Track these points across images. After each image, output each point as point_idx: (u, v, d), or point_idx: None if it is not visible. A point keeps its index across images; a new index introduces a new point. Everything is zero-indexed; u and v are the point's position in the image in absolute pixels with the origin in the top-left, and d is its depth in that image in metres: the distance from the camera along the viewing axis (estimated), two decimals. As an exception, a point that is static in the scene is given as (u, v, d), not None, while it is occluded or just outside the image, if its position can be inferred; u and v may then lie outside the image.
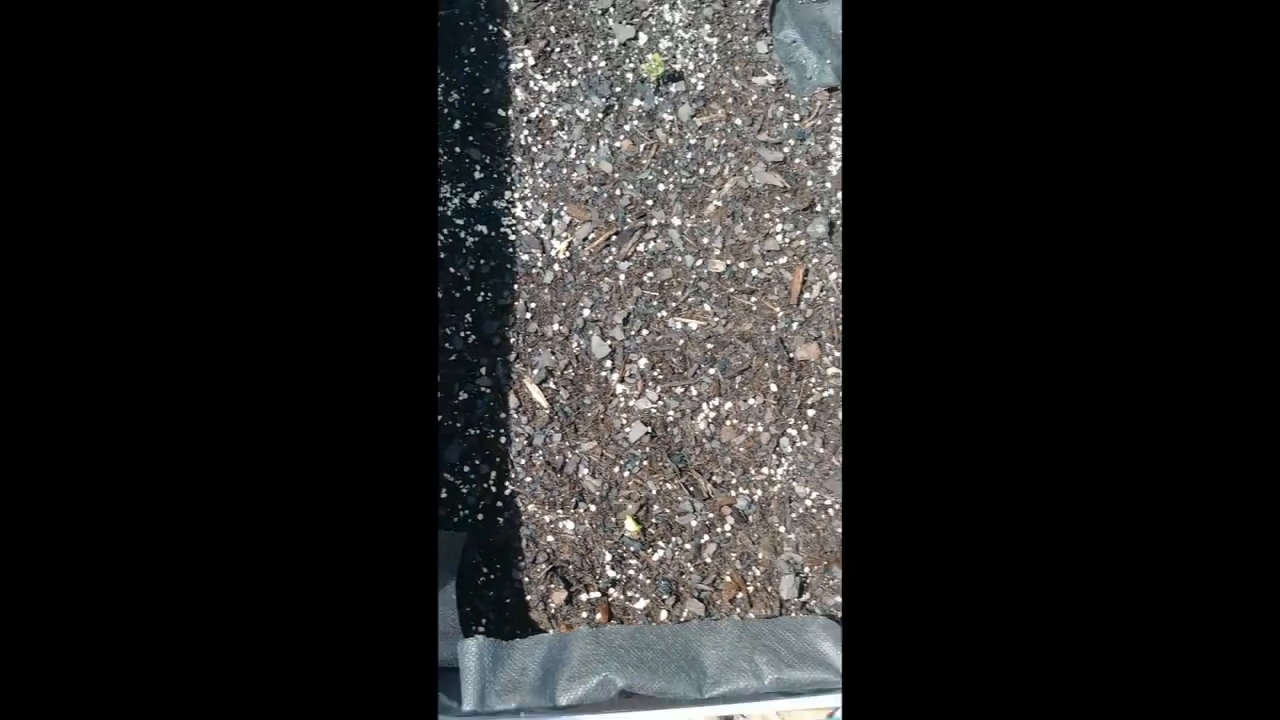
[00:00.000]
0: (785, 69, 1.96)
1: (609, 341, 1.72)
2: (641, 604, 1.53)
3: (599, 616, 1.51)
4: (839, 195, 1.86)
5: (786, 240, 1.82)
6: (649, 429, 1.66)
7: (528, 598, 1.53)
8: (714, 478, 1.63)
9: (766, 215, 1.84)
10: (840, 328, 1.74)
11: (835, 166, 1.89)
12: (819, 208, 1.85)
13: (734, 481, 1.63)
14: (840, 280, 1.79)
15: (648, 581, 1.55)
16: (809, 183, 1.87)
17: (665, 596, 1.54)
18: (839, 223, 1.84)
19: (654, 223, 1.83)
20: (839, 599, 1.54)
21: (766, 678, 1.27)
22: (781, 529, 1.60)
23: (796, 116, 1.93)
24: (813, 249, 1.81)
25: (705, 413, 1.68)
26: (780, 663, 1.30)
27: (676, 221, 1.83)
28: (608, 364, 1.71)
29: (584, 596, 1.53)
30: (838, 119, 1.92)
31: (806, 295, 1.78)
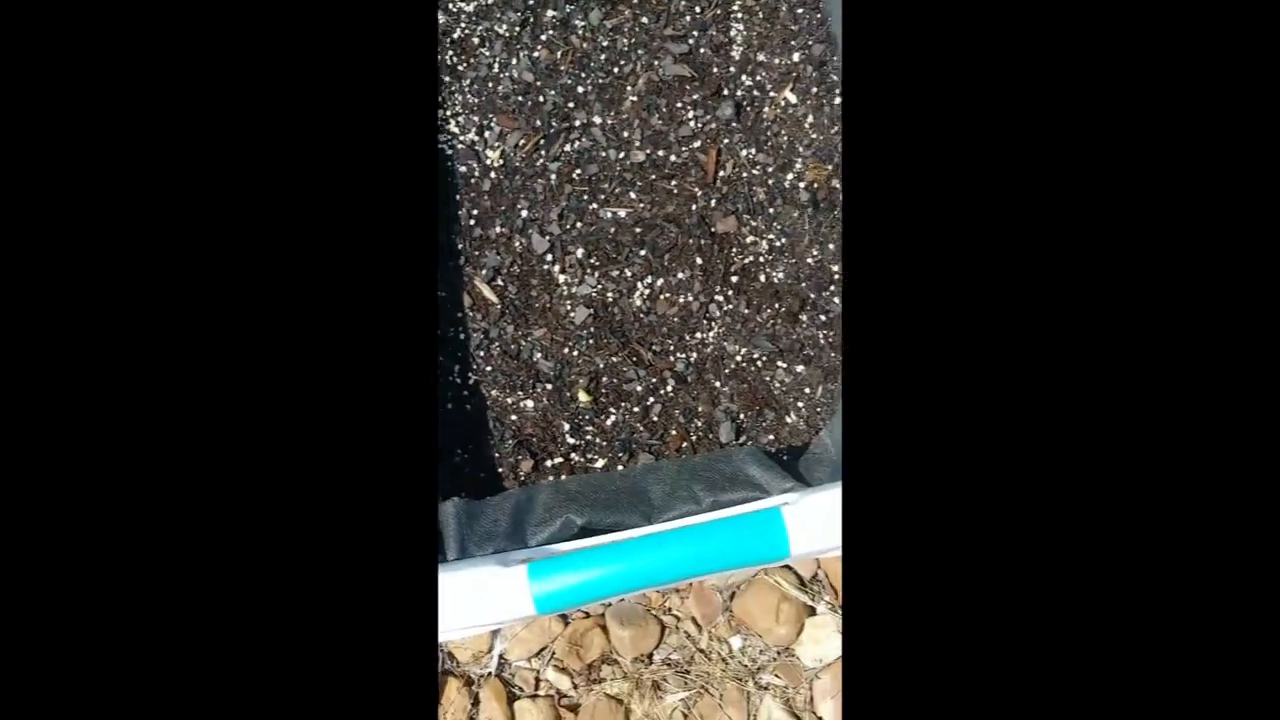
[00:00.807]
0: (683, -35, 2.09)
1: (548, 237, 1.90)
2: (600, 463, 1.75)
3: (563, 478, 1.73)
4: (743, 77, 2.02)
5: (699, 125, 1.98)
6: (592, 311, 1.85)
7: (499, 470, 1.74)
8: (654, 347, 1.83)
9: (679, 104, 2.00)
10: (753, 200, 1.92)
11: (737, 51, 2.04)
12: (725, 91, 2.01)
13: (671, 348, 1.83)
14: (750, 156, 1.96)
15: (603, 444, 1.76)
16: (714, 69, 2.03)
17: (620, 454, 1.75)
18: (745, 104, 2.00)
19: (577, 123, 1.99)
20: (771, 436, 1.76)
21: (705, 501, 1.49)
22: (717, 384, 1.80)
23: (698, 9, 2.07)
24: (723, 130, 1.98)
25: (640, 291, 1.86)
26: (715, 488, 1.51)
27: (598, 120, 1.99)
28: (549, 257, 1.89)
29: (549, 463, 1.74)
30: (735, 7, 2.07)
31: (721, 174, 1.95)
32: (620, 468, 1.73)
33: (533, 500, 1.52)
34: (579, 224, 1.91)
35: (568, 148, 1.97)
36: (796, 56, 2.03)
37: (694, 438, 1.76)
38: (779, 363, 1.81)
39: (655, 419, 1.78)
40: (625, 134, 1.97)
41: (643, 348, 1.82)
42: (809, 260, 1.87)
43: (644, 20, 2.06)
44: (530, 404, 1.79)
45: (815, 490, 1.36)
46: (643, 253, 1.88)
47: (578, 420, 1.78)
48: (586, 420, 1.78)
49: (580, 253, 1.89)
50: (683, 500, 1.49)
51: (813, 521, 1.30)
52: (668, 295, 1.85)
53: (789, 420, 1.77)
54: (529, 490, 1.53)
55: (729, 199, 1.92)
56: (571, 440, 1.76)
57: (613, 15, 2.07)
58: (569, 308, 1.85)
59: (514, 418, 1.77)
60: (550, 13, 2.07)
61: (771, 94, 2.01)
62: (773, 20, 2.06)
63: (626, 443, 1.75)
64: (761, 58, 2.04)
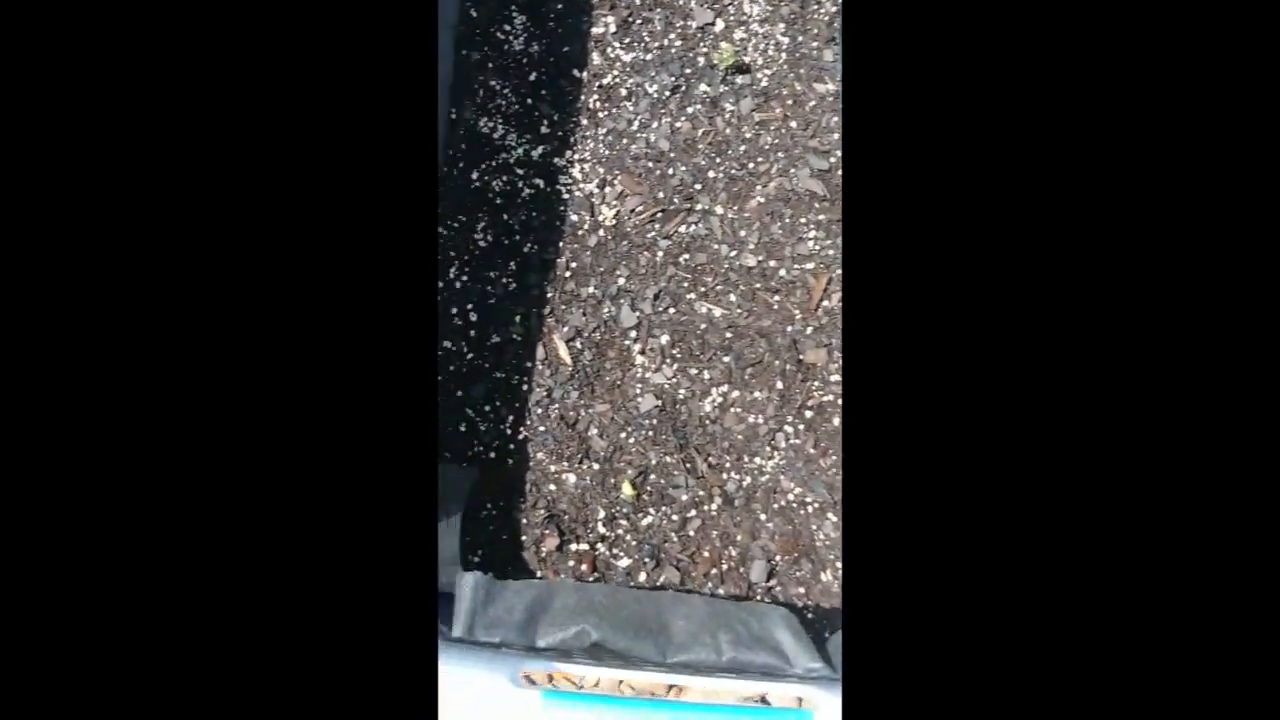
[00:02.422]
0: (849, 80, 2.04)
1: (637, 313, 1.84)
2: (624, 563, 1.68)
3: (584, 567, 1.66)
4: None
5: (817, 247, 1.92)
6: (660, 402, 1.78)
7: (522, 538, 1.67)
8: (710, 459, 1.77)
9: (803, 220, 1.94)
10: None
11: (877, 185, 1.98)
12: (854, 222, 1.95)
13: (727, 465, 1.77)
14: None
15: (633, 543, 1.70)
16: (850, 196, 1.97)
17: (647, 560, 1.68)
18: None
19: (698, 207, 1.93)
20: (801, 589, 1.70)
21: (725, 655, 1.43)
22: (762, 517, 1.74)
23: (850, 129, 2.02)
24: (838, 260, 1.92)
25: (713, 397, 1.80)
26: (739, 644, 1.45)
27: (719, 210, 1.93)
28: (633, 334, 1.83)
29: (574, 546, 1.68)
30: (889, 139, 2.01)
31: (825, 303, 1.89)
32: (643, 575, 1.67)
33: (553, 598, 1.45)
34: (672, 310, 1.85)
35: (683, 229, 1.91)
36: (934, 208, 1.97)
37: (724, 566, 1.70)
38: (830, 515, 1.75)
39: (691, 534, 1.71)
40: (743, 233, 1.92)
41: (700, 456, 1.76)
42: (888, 419, 1.81)
43: (792, 124, 2.01)
44: (573, 479, 1.72)
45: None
46: (726, 359, 1.82)
47: (615, 511, 1.71)
48: (623, 514, 1.71)
49: (665, 339, 1.83)
50: (704, 646, 1.43)
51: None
52: (739, 410, 1.79)
53: (824, 578, 1.71)
54: (551, 586, 1.47)
55: (825, 330, 1.86)
56: (603, 530, 1.70)
57: (764, 109, 2.01)
58: (638, 392, 1.79)
59: (553, 487, 1.71)
60: (704, 87, 2.01)
61: (898, 237, 1.94)
62: (921, 164, 2.00)
63: (656, 550, 1.69)
64: (899, 198, 1.98)
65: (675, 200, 1.93)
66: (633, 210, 1.91)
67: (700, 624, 1.46)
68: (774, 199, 1.95)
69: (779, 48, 2.05)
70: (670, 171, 1.95)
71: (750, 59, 2.03)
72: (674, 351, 1.83)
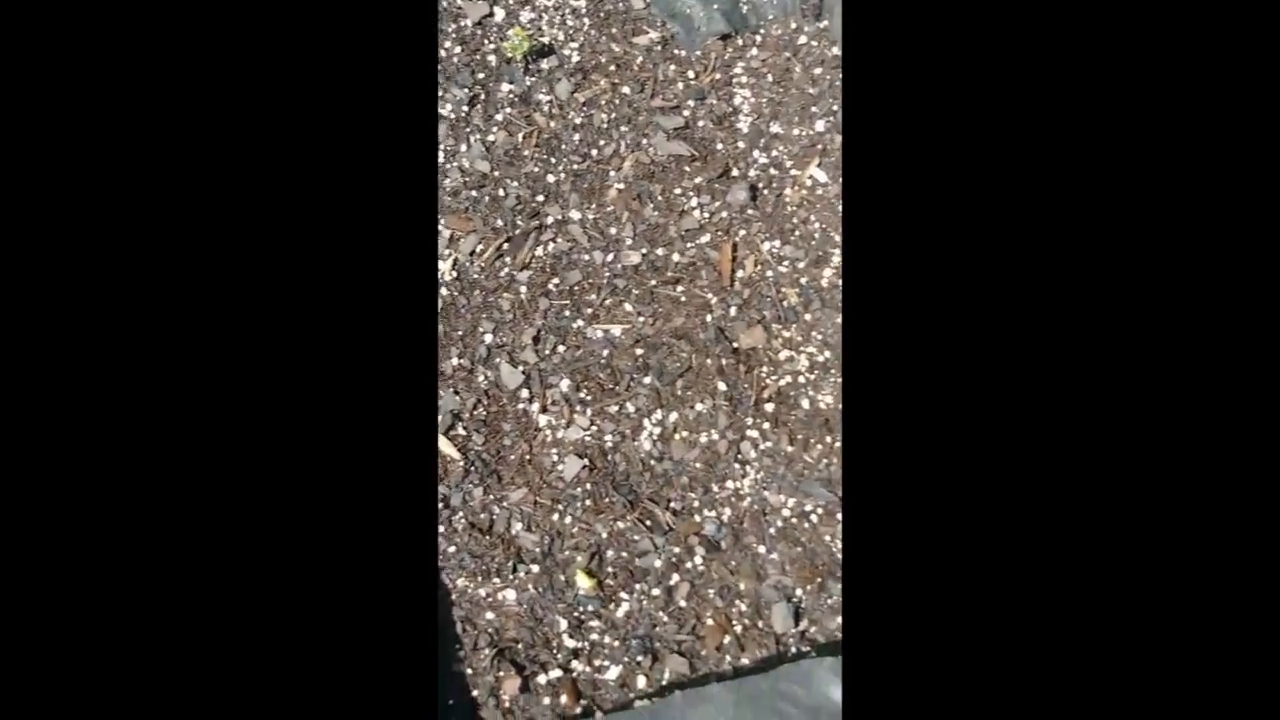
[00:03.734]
0: (668, 23, 1.71)
1: (521, 367, 1.45)
2: (613, 673, 1.26)
3: (564, 699, 1.24)
4: (755, 154, 1.61)
5: (705, 215, 1.56)
6: (586, 461, 1.39)
7: (474, 693, 1.25)
8: (672, 504, 1.37)
9: (678, 190, 1.59)
10: (783, 304, 1.49)
11: (745, 122, 1.64)
12: (735, 171, 1.60)
13: (696, 504, 1.37)
14: (774, 251, 1.54)
15: (616, 644, 1.28)
16: (719, 145, 1.62)
17: (639, 658, 1.27)
18: (761, 186, 1.59)
19: (549, 220, 1.57)
20: (840, 619, 1.29)
21: (780, 748, 1.01)
22: (761, 549, 1.34)
23: (691, 74, 1.68)
24: (736, 219, 1.56)
25: (648, 430, 1.41)
26: (793, 724, 1.04)
27: (576, 215, 1.57)
28: (524, 394, 1.44)
29: (542, 679, 1.26)
30: (738, 69, 1.67)
31: (739, 274, 1.52)
32: (641, 679, 1.25)
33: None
34: (561, 348, 1.46)
35: (540, 251, 1.54)
36: (820, 125, 1.62)
37: (738, 628, 1.29)
38: (838, 515, 1.35)
39: (683, 604, 1.30)
40: (613, 230, 1.55)
41: (658, 506, 1.36)
42: (864, 377, 1.43)
43: (625, 90, 1.66)
44: (511, 595, 1.31)
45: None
46: (647, 380, 1.44)
47: (578, 613, 1.30)
48: (590, 612, 1.30)
49: (565, 385, 1.44)
50: (749, 745, 1.01)
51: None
52: (685, 434, 1.40)
53: (864, 595, 1.30)
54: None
55: (751, 304, 1.49)
56: (572, 643, 1.28)
57: (585, 87, 1.66)
58: (555, 458, 1.39)
59: (490, 616, 1.29)
60: (506, 86, 1.66)
61: (793, 172, 1.60)
62: (785, 83, 1.67)
63: (647, 641, 1.28)
64: (776, 129, 1.63)
65: (519, 222, 1.56)
66: (472, 252, 1.53)
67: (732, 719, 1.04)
68: (635, 179, 1.59)
69: (577, 14, 1.71)
70: (501, 192, 1.58)
71: (549, 37, 1.69)
72: (581, 395, 1.44)
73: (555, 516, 1.36)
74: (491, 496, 1.37)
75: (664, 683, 1.26)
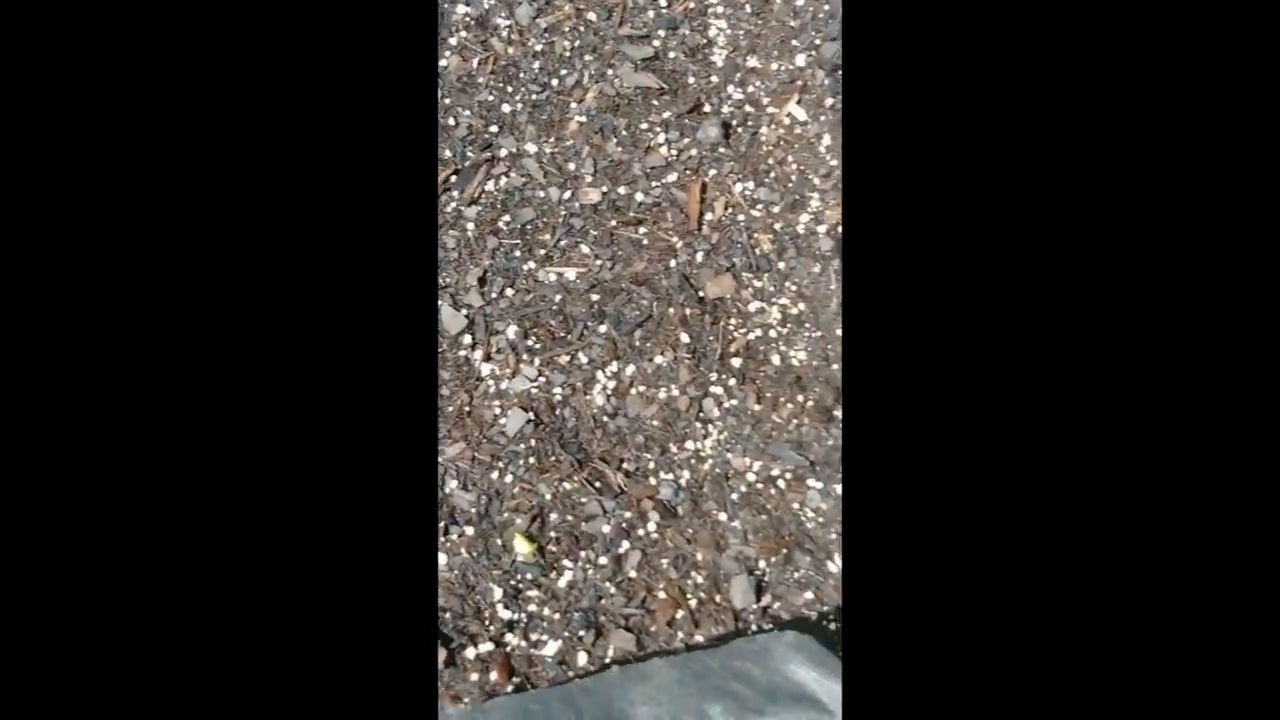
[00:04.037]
0: (641, -54, 1.56)
1: (464, 310, 1.32)
2: (551, 648, 1.13)
3: (494, 675, 1.11)
4: (729, 89, 1.47)
5: (673, 152, 1.43)
6: (531, 415, 1.26)
7: (395, 667, 1.11)
8: (625, 465, 1.24)
9: (644, 125, 1.45)
10: (755, 251, 1.36)
11: (719, 55, 1.50)
12: (707, 107, 1.46)
13: (651, 466, 1.24)
14: (748, 193, 1.40)
15: (556, 617, 1.15)
16: (690, 79, 1.48)
17: (582, 632, 1.14)
18: (734, 124, 1.45)
19: (503, 153, 1.43)
20: (809, 595, 1.16)
21: (728, 735, 0.89)
22: (722, 516, 1.21)
23: (663, 2, 1.54)
24: (707, 158, 1.43)
25: (601, 383, 1.28)
26: (744, 708, 0.92)
27: (532, 148, 1.43)
28: (466, 340, 1.31)
29: (471, 652, 1.13)
30: (714, -4, 1.54)
31: (708, 216, 1.39)
32: (583, 655, 1.12)
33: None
34: (509, 291, 1.33)
35: (490, 186, 1.40)
36: (801, 60, 1.49)
37: (693, 603, 1.16)
38: (810, 481, 1.22)
39: (633, 574, 1.17)
40: (571, 166, 1.41)
41: (609, 466, 1.23)
42: (840, 331, 1.30)
43: (590, 16, 1.52)
44: (441, 559, 1.18)
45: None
46: (603, 329, 1.30)
47: (514, 581, 1.17)
48: (529, 581, 1.17)
49: (512, 331, 1.30)
50: (692, 732, 0.88)
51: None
52: (641, 388, 1.27)
53: (832, 567, 1.17)
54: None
55: (720, 250, 1.36)
56: (507, 614, 1.15)
57: (549, 11, 1.52)
58: (498, 412, 1.26)
59: (418, 582, 1.15)
60: (462, 9, 1.52)
61: (770, 109, 1.46)
62: (765, 14, 1.53)
63: (590, 614, 1.15)
64: (753, 63, 1.49)
65: (468, 155, 1.42)
66: (418, 184, 1.39)
67: (674, 701, 0.92)
68: (598, 112, 1.45)
69: (540, -67, 1.56)
70: (451, 121, 1.44)
71: (508, -43, 1.55)
72: (529, 343, 1.30)
73: (494, 475, 1.23)
74: (425, 451, 1.24)
75: (607, 660, 1.13)
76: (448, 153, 1.42)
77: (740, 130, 1.45)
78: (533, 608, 1.16)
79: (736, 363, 1.30)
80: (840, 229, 1.35)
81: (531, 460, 1.24)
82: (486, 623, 1.15)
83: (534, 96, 1.46)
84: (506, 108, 1.45)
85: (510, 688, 1.11)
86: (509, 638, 1.14)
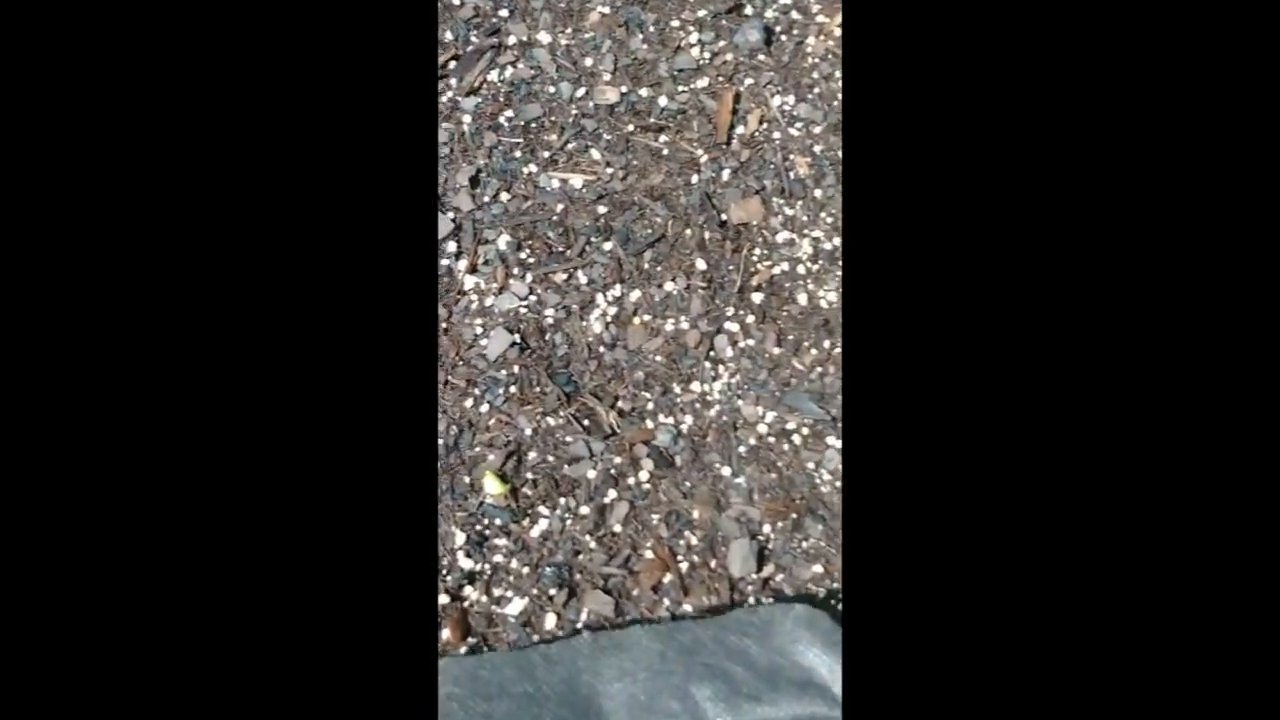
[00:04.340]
0: None
1: (450, 214, 1.15)
2: (516, 606, 0.98)
3: (446, 633, 0.95)
4: (777, -12, 1.29)
5: (705, 55, 1.25)
6: (516, 338, 1.09)
7: (333, 611, 0.95)
8: (619, 403, 1.07)
9: (675, 22, 1.27)
10: (790, 174, 1.19)
11: (768, -51, 1.31)
12: (749, 8, 1.28)
13: (650, 407, 1.07)
14: (786, 107, 1.22)
15: (525, 570, 1.00)
16: (733, -27, 1.30)
17: (553, 591, 0.98)
18: (778, 30, 1.27)
19: (511, 40, 1.25)
20: (817, 568, 1.00)
21: (713, 727, 0.73)
22: (725, 471, 1.04)
23: (709, -114, 1.35)
24: (744, 65, 1.25)
25: (601, 308, 1.11)
26: (736, 693, 0.76)
27: (545, 37, 1.25)
28: (450, 246, 1.14)
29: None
30: (767, -117, 1.35)
31: (739, 130, 1.21)
32: (551, 617, 0.96)
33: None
34: (505, 195, 1.16)
35: (494, 76, 1.23)
36: (859, -38, 1.30)
37: (684, 566, 1.00)
38: (830, 438, 1.05)
39: (618, 529, 1.01)
40: (589, 61, 1.24)
41: (601, 403, 1.06)
42: (881, 272, 1.12)
43: (625, -103, 1.33)
44: (400, 494, 1.01)
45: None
46: (608, 246, 1.14)
47: (481, 526, 1.01)
48: (497, 527, 1.01)
49: (504, 242, 1.13)
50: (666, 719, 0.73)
51: None
52: (647, 318, 1.10)
53: (850, 542, 1.00)
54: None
55: (750, 168, 1.18)
56: (468, 563, 0.99)
57: (577, -113, 1.34)
58: (479, 331, 1.09)
59: (370, 517, 0.99)
60: (480, -124, 1.33)
61: (820, 18, 1.28)
62: (823, -91, 1.34)
63: (564, 571, 0.99)
64: (805, -38, 1.31)
65: (472, 39, 1.25)
66: (411, 67, 1.21)
67: (653, 678, 0.76)
68: (625, 3, 1.27)
69: None
70: (457, 1, 1.26)
71: None
72: (522, 255, 1.14)
73: (468, 403, 1.07)
74: (391, 368, 1.08)
75: (579, 625, 0.97)
76: (449, 35, 1.25)
77: (784, 38, 1.27)
78: (499, 558, 1.00)
79: (757, 298, 1.13)
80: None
81: (512, 389, 1.07)
82: (444, 572, 0.99)
83: (552, -20, 1.28)
84: (520, -10, 1.28)
85: (464, 649, 0.95)
86: (468, 590, 0.99)
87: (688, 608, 0.98)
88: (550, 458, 1.05)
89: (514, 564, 1.00)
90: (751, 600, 0.98)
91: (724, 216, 1.17)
